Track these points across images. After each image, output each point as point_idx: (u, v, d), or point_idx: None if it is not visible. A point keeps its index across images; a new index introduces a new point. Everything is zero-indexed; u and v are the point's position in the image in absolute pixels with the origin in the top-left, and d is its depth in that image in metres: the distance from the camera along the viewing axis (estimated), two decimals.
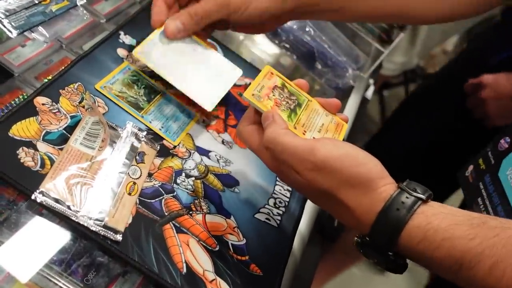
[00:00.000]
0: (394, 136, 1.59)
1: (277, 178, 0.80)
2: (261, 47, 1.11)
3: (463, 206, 1.46)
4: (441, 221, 0.52)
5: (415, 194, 0.55)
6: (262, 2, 0.76)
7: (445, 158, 1.41)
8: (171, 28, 0.75)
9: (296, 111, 0.66)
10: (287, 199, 0.79)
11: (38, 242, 0.59)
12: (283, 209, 0.77)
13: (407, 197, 0.54)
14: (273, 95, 0.66)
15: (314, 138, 0.64)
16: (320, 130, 0.66)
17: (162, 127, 0.74)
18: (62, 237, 0.61)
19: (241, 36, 1.11)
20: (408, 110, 1.63)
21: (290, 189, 0.80)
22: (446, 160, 1.39)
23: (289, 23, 1.11)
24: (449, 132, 1.41)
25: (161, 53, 0.75)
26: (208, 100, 0.76)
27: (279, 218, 0.75)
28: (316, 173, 0.56)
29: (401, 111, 1.70)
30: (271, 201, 0.77)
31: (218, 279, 0.64)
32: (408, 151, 1.51)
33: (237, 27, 0.83)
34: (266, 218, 0.75)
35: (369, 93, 1.32)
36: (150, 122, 0.74)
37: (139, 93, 0.77)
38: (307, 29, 1.12)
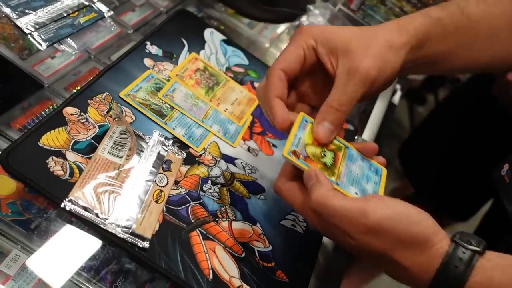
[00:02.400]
0: (429, 141, 1.58)
1: None
2: None
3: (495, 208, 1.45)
4: (502, 275, 0.52)
5: (470, 247, 0.54)
6: (391, 61, 0.64)
7: (482, 161, 1.39)
8: (323, 133, 0.63)
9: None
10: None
11: (68, 249, 0.61)
12: None
13: (463, 252, 0.54)
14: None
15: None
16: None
17: (185, 134, 0.75)
18: (91, 244, 0.62)
19: (266, 43, 1.12)
20: (442, 114, 1.62)
21: None
22: (484, 163, 1.38)
23: None
24: (484, 134, 1.39)
25: None
26: None
27: (305, 224, 0.76)
28: (370, 236, 0.55)
29: (435, 116, 1.69)
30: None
31: (244, 285, 0.65)
32: (444, 156, 1.50)
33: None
34: (292, 225, 0.75)
35: (396, 98, 1.31)
36: (174, 129, 0.75)
37: (162, 100, 0.78)
38: None
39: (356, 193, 0.61)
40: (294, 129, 0.62)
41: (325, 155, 0.64)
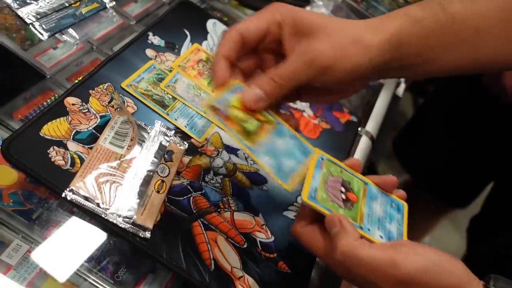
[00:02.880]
0: (424, 129, 1.58)
1: None
2: None
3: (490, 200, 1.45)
4: None
5: None
6: (354, 56, 0.61)
7: (478, 147, 1.39)
8: (251, 98, 0.61)
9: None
10: None
11: (69, 239, 0.61)
12: None
13: None
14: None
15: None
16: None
17: (187, 124, 0.75)
18: (92, 234, 0.62)
19: None
20: (436, 102, 1.62)
21: None
22: (480, 149, 1.37)
23: None
24: (478, 120, 1.39)
25: None
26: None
27: None
28: None
29: (429, 104, 1.69)
30: (300, 199, 0.77)
31: (246, 276, 0.64)
32: (440, 143, 1.50)
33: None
34: (295, 215, 0.74)
35: (400, 90, 1.30)
36: (176, 119, 0.75)
37: (164, 91, 0.78)
38: None
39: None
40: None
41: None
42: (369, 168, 0.99)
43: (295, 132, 0.65)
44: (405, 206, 0.65)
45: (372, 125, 1.03)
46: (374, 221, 0.61)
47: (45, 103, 0.72)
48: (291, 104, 0.91)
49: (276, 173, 0.61)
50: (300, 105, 0.92)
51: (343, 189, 0.62)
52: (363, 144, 0.96)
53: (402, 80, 1.30)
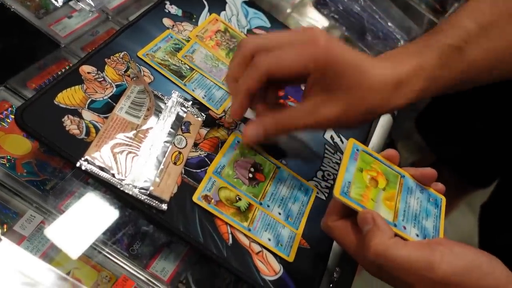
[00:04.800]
0: (448, 109, 1.55)
1: (325, 150, 0.78)
2: (309, 19, 1.09)
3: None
4: None
5: None
6: (378, 107, 0.62)
7: (502, 126, 1.37)
8: (250, 135, 0.64)
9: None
10: (336, 172, 0.76)
11: (84, 210, 0.59)
12: (332, 181, 0.75)
13: None
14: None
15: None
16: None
17: (205, 96, 0.73)
18: (107, 206, 0.61)
19: (288, 8, 1.09)
20: None
21: (338, 161, 0.78)
22: (504, 129, 1.35)
23: None
24: (503, 99, 1.36)
25: None
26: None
27: (327, 190, 0.73)
28: None
29: None
30: (319, 174, 0.74)
31: (264, 251, 0.63)
32: (464, 123, 1.47)
33: None
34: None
35: None
36: (193, 90, 0.73)
37: (181, 61, 0.75)
38: None
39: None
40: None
41: (239, 199, 0.64)
42: (388, 145, 0.97)
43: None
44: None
45: None
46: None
47: (59, 73, 0.70)
48: None
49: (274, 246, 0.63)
50: None
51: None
52: (384, 121, 0.93)
53: None
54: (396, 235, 0.55)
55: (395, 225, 0.56)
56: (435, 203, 0.62)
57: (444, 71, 0.63)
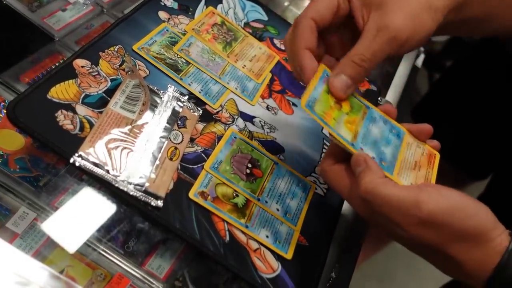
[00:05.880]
0: (444, 100, 1.54)
1: (324, 146, 0.77)
2: None
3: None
4: None
5: None
6: (427, 23, 0.60)
7: (498, 118, 1.36)
8: (339, 86, 0.59)
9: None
10: None
11: (78, 207, 0.58)
12: None
13: None
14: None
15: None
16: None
17: (201, 90, 0.72)
18: (102, 202, 0.60)
19: (285, 1, 1.08)
20: (456, 74, 1.58)
21: None
22: (500, 120, 1.34)
23: None
24: (499, 90, 1.35)
25: None
26: None
27: (325, 186, 0.72)
28: (422, 228, 0.52)
29: (449, 76, 1.65)
30: (318, 169, 0.73)
31: (262, 248, 0.62)
32: (460, 115, 1.46)
33: None
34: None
35: (419, 61, 1.26)
36: (189, 84, 0.71)
37: (177, 55, 0.74)
38: None
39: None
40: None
41: (237, 195, 0.63)
42: None
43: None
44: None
45: (392, 95, 1.00)
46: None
47: (53, 67, 0.69)
48: None
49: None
50: None
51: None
52: None
53: (422, 50, 1.26)
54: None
55: (352, 145, 0.58)
56: (397, 135, 0.64)
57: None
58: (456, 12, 0.62)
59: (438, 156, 0.64)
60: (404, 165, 0.60)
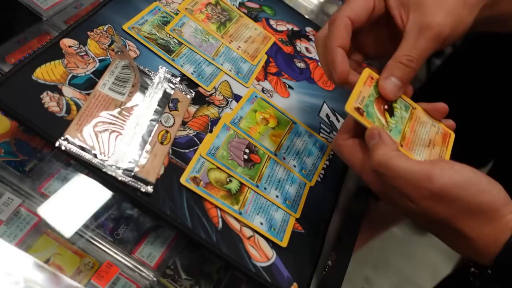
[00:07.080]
0: (444, 88, 1.53)
1: (320, 130, 0.75)
2: None
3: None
4: None
5: None
6: (465, 18, 0.61)
7: (498, 106, 1.35)
8: (391, 89, 0.60)
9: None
10: (332, 152, 0.73)
11: (65, 193, 0.57)
12: (327, 162, 0.72)
13: None
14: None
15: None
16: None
17: (194, 71, 0.69)
18: (90, 188, 0.58)
19: None
20: (456, 61, 1.56)
21: None
22: (500, 108, 1.33)
23: None
24: (498, 79, 1.34)
25: None
26: None
27: (322, 172, 0.70)
28: (433, 201, 0.51)
29: (448, 64, 1.64)
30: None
31: (256, 235, 0.60)
32: (459, 102, 1.45)
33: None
34: None
35: None
36: (182, 66, 0.69)
37: (169, 35, 0.71)
38: None
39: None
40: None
41: (230, 181, 0.61)
42: None
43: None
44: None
45: None
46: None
47: (41, 47, 0.66)
48: (306, 54, 0.85)
49: None
50: (315, 55, 0.86)
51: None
52: None
53: None
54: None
55: (275, 155, 0.66)
56: (320, 148, 0.70)
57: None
58: (488, 8, 0.62)
59: (453, 135, 0.64)
60: (419, 142, 0.60)
